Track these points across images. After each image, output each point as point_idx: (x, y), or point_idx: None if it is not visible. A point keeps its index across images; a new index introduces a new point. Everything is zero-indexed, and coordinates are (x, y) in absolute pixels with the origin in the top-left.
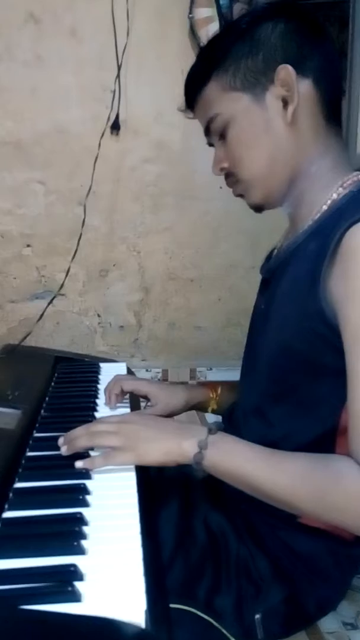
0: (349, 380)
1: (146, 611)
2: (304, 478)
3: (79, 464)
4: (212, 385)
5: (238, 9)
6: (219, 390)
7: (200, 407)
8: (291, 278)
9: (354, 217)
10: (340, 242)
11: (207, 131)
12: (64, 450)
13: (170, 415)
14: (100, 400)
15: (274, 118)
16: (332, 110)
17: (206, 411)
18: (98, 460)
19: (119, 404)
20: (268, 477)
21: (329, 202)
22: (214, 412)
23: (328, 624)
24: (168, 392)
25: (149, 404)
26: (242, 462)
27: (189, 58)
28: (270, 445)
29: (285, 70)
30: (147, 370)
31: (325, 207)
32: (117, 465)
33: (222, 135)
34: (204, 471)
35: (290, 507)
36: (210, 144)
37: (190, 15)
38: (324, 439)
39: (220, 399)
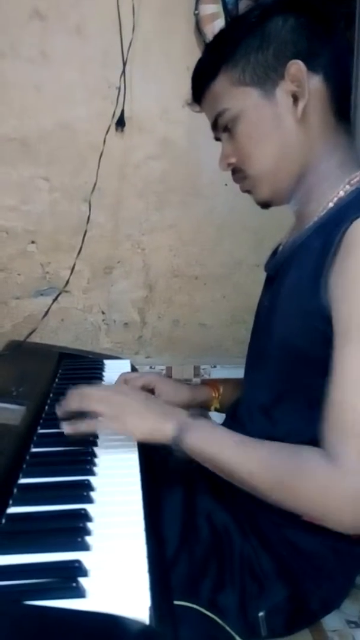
0: (331, 372)
1: (150, 607)
2: (271, 466)
3: (65, 428)
4: (214, 384)
5: (244, 6)
6: (221, 390)
7: (203, 406)
8: (295, 275)
9: (356, 214)
10: (342, 238)
11: (215, 126)
12: (59, 414)
13: None
14: None
15: (283, 114)
16: (341, 107)
17: (209, 410)
18: (82, 425)
19: None
20: (239, 462)
21: (335, 199)
22: (217, 410)
23: (332, 622)
24: (173, 387)
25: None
26: (218, 447)
27: (195, 55)
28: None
29: (296, 66)
30: (151, 367)
31: (331, 204)
32: (100, 431)
33: (230, 130)
34: (183, 453)
35: (259, 493)
36: (217, 139)
37: (196, 12)
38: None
39: (223, 397)
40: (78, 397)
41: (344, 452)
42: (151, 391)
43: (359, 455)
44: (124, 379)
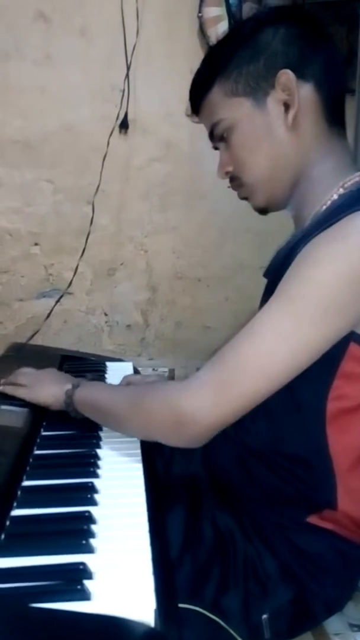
0: (247, 325)
1: (156, 610)
2: (135, 393)
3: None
4: None
5: (247, 8)
6: None
7: None
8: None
9: (342, 215)
10: (322, 232)
11: (212, 135)
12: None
13: None
14: None
15: (275, 122)
16: (334, 113)
17: None
18: (7, 388)
19: None
20: (108, 398)
21: (328, 202)
22: None
23: (334, 625)
24: None
25: None
26: (98, 393)
27: (198, 57)
28: (271, 441)
29: (286, 75)
30: (153, 369)
31: (324, 208)
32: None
33: (226, 140)
34: (75, 410)
35: (120, 422)
36: (216, 148)
37: (200, 15)
38: (314, 434)
39: None
40: (15, 375)
41: (203, 375)
42: None
43: (216, 382)
44: (127, 382)
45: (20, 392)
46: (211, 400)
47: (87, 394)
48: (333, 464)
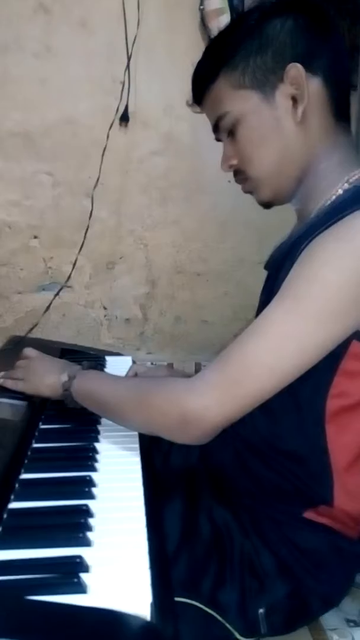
0: (252, 324)
1: (152, 604)
2: (137, 388)
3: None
4: None
5: (250, 1)
6: None
7: None
8: (287, 271)
9: (347, 211)
10: (327, 228)
11: (216, 128)
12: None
13: None
14: None
15: (283, 117)
16: (340, 107)
17: None
18: (7, 382)
19: None
20: (110, 392)
21: (333, 197)
22: None
23: (331, 620)
24: None
25: None
26: (97, 385)
27: (200, 50)
28: (270, 437)
29: (296, 69)
30: (152, 364)
31: (329, 202)
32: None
33: (231, 133)
34: (74, 401)
35: (122, 416)
36: (218, 139)
37: (201, 7)
38: (313, 431)
39: None
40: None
41: (205, 376)
42: None
43: (221, 382)
44: (135, 370)
45: (17, 386)
46: (217, 399)
47: (86, 386)
48: (331, 461)
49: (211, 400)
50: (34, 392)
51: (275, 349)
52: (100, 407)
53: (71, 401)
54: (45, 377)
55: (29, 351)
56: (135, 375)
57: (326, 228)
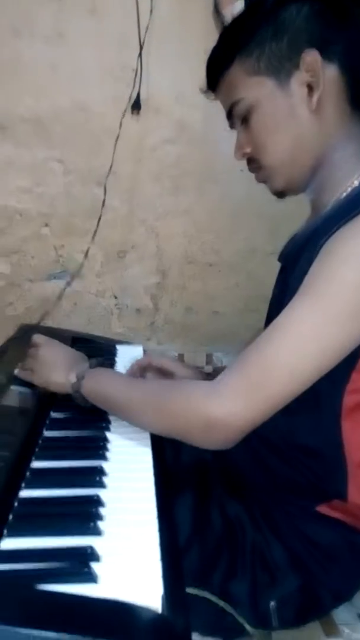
0: (271, 325)
1: (163, 596)
2: (154, 392)
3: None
4: None
5: None
6: None
7: None
8: (303, 263)
9: None
10: (348, 222)
11: (230, 115)
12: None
13: None
14: None
15: (298, 104)
16: (357, 96)
17: None
18: (21, 373)
19: None
20: (125, 394)
21: (349, 189)
22: None
23: (342, 615)
24: (193, 376)
25: None
26: (110, 386)
27: (213, 37)
28: (286, 432)
29: (312, 56)
30: (163, 354)
31: (345, 194)
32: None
33: (245, 120)
34: (84, 399)
35: (140, 421)
36: (232, 127)
37: None
38: (329, 426)
39: None
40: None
41: (226, 380)
42: (170, 376)
43: (243, 385)
44: (148, 362)
45: (28, 376)
46: (241, 404)
47: (97, 387)
48: (346, 457)
49: (235, 406)
50: (43, 385)
51: (296, 350)
52: (114, 409)
53: (82, 400)
54: (53, 374)
55: (37, 338)
56: (149, 364)
57: (344, 223)
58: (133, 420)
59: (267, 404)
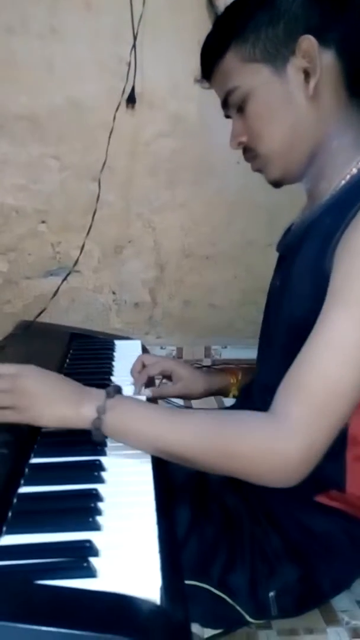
0: (311, 341)
1: (161, 588)
2: (207, 431)
3: None
4: (232, 370)
5: None
6: (239, 376)
7: (221, 393)
8: (306, 254)
9: None
10: (356, 214)
11: (225, 103)
12: None
13: (188, 397)
14: (115, 378)
15: (295, 91)
16: (354, 83)
17: (227, 396)
18: None
19: None
20: (172, 435)
21: (348, 177)
22: (235, 397)
23: (342, 602)
24: (191, 375)
25: (164, 381)
26: (144, 423)
27: (206, 29)
28: None
29: (308, 41)
30: (161, 348)
31: (343, 182)
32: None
33: (241, 108)
34: (103, 436)
35: (194, 462)
36: (228, 116)
37: None
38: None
39: (241, 384)
40: None
41: (293, 413)
42: (169, 377)
43: (308, 417)
44: (142, 360)
45: (6, 417)
46: (310, 437)
47: (130, 423)
48: (347, 450)
49: (304, 441)
50: (33, 422)
51: (353, 361)
52: (152, 449)
53: (101, 437)
54: (50, 407)
55: (5, 368)
56: (143, 366)
57: (353, 215)
58: (184, 462)
59: (334, 426)
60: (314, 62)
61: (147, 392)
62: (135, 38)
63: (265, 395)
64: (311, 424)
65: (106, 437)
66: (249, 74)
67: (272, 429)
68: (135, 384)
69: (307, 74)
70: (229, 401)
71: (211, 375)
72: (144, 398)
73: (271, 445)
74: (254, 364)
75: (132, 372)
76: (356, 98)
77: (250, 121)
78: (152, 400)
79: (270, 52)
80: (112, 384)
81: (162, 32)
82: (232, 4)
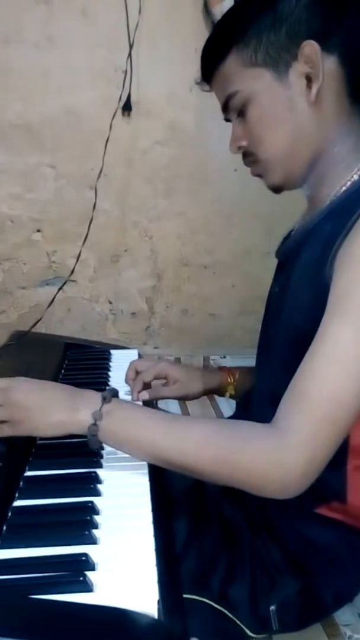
0: (310, 349)
1: (159, 601)
2: (210, 441)
3: None
4: (230, 370)
5: None
6: (237, 375)
7: (217, 392)
8: (305, 261)
9: None
10: (357, 221)
11: (225, 107)
12: None
13: (184, 398)
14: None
15: (297, 97)
16: (356, 88)
17: (223, 396)
18: None
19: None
20: (172, 443)
21: (348, 183)
22: (232, 397)
23: (344, 616)
24: (187, 376)
25: (163, 382)
26: (142, 429)
27: (203, 36)
28: None
29: (311, 47)
30: (159, 358)
31: (344, 188)
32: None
33: (241, 112)
34: (99, 442)
35: (194, 471)
36: (227, 120)
37: None
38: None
39: (238, 383)
40: None
41: (295, 425)
42: (164, 378)
43: (310, 429)
44: (135, 367)
45: (6, 433)
46: (314, 448)
47: (128, 430)
48: (347, 461)
49: (306, 453)
50: (31, 434)
51: (354, 372)
52: (150, 457)
53: (97, 444)
54: (50, 414)
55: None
56: (137, 372)
57: (353, 223)
58: (183, 470)
59: (338, 435)
60: (316, 67)
61: (143, 395)
62: (131, 46)
63: (264, 403)
64: (313, 436)
65: (101, 445)
66: (250, 79)
67: (274, 441)
68: (131, 392)
69: (309, 80)
70: (222, 402)
71: (207, 374)
72: (140, 402)
73: (273, 457)
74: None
75: (126, 380)
76: (358, 104)
77: (251, 126)
78: (149, 403)
79: (273, 56)
80: (108, 388)
81: (158, 40)
82: (233, 8)
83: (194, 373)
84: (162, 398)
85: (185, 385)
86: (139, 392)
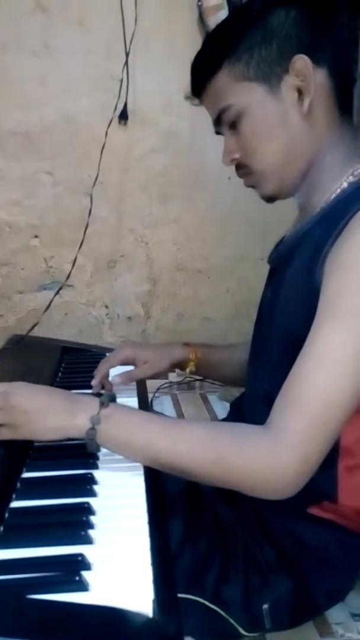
0: (302, 352)
1: (154, 600)
2: (205, 444)
3: None
4: (194, 347)
5: None
6: (198, 354)
7: (179, 367)
8: (297, 265)
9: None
10: (345, 227)
11: (218, 121)
12: None
13: (155, 376)
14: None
15: (289, 109)
16: (344, 100)
17: (184, 370)
18: None
19: (126, 388)
20: (167, 446)
21: (338, 190)
22: (191, 373)
23: (336, 614)
24: (154, 354)
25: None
26: (140, 433)
27: (198, 46)
28: None
29: (302, 61)
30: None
31: (334, 195)
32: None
33: (234, 125)
34: (97, 446)
35: (190, 474)
36: (219, 133)
37: (199, 3)
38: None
39: (200, 361)
40: None
41: (289, 426)
42: (133, 363)
43: (304, 430)
44: (103, 363)
45: (5, 435)
46: (307, 449)
47: (125, 434)
48: (338, 461)
49: (300, 454)
50: (30, 437)
51: (345, 373)
52: (147, 460)
53: (95, 447)
54: (48, 418)
55: None
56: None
57: (341, 229)
58: (179, 473)
59: (332, 436)
60: (307, 80)
61: (116, 380)
62: (127, 55)
63: (257, 405)
64: (306, 437)
65: (100, 448)
66: (242, 93)
67: (267, 442)
68: (94, 380)
69: (300, 93)
70: (216, 403)
71: (173, 349)
72: (135, 405)
73: (267, 459)
74: (215, 343)
75: (95, 374)
76: (346, 115)
77: (244, 139)
78: (145, 407)
79: (264, 71)
80: (105, 392)
81: (154, 49)
82: (222, 22)
83: (161, 350)
84: (135, 380)
85: (154, 364)
86: (103, 376)
